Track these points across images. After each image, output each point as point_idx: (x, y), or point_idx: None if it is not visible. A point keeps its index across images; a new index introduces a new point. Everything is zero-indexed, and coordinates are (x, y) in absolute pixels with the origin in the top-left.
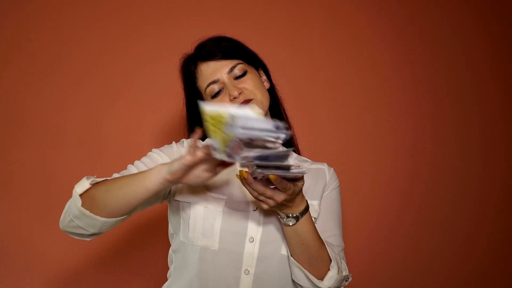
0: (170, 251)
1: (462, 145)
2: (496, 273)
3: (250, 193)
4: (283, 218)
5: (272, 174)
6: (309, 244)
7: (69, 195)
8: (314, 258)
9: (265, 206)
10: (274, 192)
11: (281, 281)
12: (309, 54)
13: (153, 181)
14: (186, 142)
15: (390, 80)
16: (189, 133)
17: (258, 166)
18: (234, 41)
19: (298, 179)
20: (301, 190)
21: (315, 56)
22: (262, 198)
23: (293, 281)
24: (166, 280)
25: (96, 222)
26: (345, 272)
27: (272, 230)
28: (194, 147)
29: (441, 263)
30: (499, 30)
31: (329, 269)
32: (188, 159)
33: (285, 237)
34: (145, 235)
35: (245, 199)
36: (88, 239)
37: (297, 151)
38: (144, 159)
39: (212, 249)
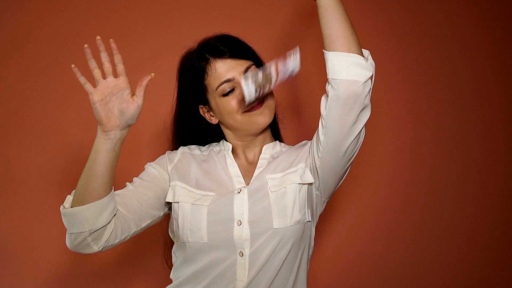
0: (172, 252)
1: (463, 145)
2: (497, 274)
3: None
4: None
5: None
6: (344, 16)
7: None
8: (351, 32)
9: None
10: None
11: (276, 257)
12: (308, 54)
13: (96, 141)
14: (181, 149)
15: (390, 79)
16: (178, 134)
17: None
18: (243, 41)
19: None
20: None
21: (315, 56)
22: None
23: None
24: (171, 282)
25: (81, 213)
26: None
27: (258, 209)
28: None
29: (442, 263)
30: (500, 29)
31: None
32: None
33: (320, 19)
34: (149, 237)
35: (231, 184)
36: (97, 248)
37: (280, 139)
38: (140, 175)
39: (202, 242)
